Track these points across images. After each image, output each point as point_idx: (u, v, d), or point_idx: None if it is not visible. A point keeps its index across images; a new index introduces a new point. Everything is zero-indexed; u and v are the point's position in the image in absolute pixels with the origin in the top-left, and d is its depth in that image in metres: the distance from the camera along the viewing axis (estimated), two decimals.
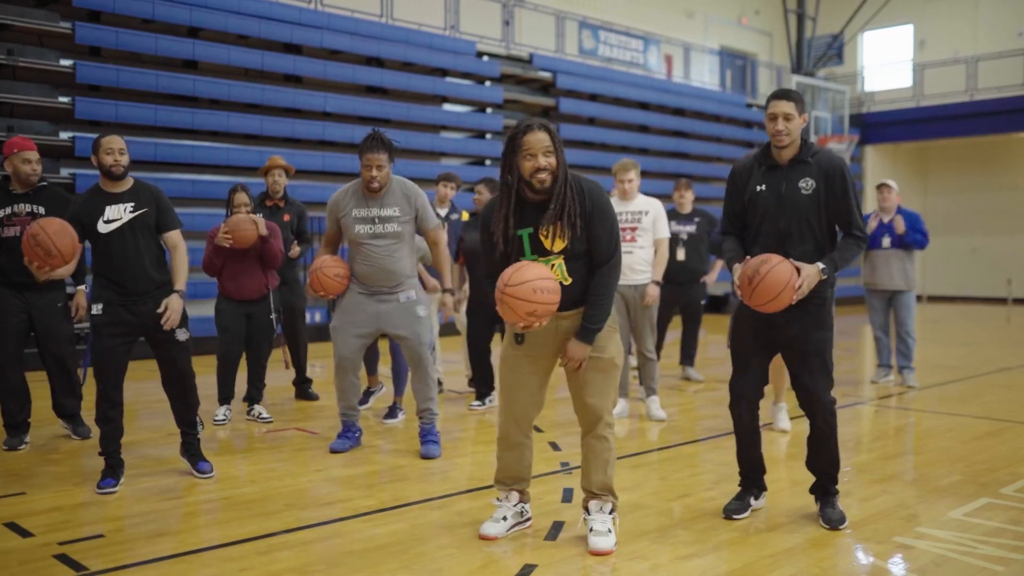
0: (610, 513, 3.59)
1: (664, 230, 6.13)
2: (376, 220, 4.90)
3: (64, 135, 10.04)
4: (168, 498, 4.25)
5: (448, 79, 14.07)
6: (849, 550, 3.59)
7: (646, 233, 6.03)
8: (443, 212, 6.99)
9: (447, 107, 14.25)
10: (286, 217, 6.62)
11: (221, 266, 5.91)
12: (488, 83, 14.67)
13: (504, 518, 3.71)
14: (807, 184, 3.77)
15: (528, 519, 3.81)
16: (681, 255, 7.74)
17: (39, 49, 10.03)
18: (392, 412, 6.21)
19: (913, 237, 7.60)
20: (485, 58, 14.69)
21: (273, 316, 6.09)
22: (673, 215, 7.88)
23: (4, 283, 5.13)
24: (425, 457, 5.06)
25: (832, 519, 3.88)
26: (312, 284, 5.00)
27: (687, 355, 8.25)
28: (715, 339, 12.15)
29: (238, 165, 11.20)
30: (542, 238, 3.45)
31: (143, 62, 10.87)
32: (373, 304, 4.99)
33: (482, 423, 6.18)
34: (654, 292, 6.07)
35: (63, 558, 3.41)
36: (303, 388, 6.97)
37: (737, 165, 4.01)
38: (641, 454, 5.35)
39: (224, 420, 6.00)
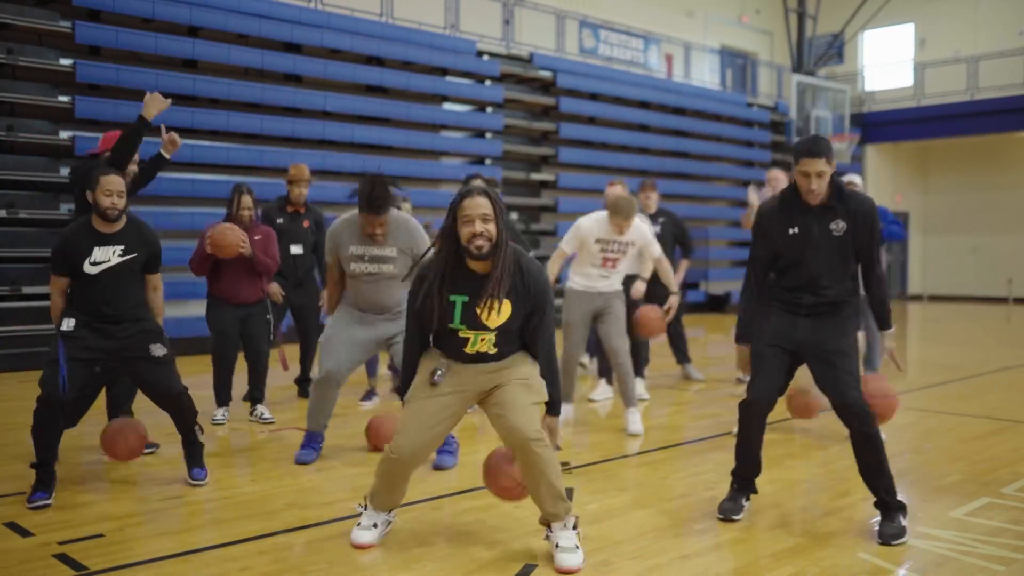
0: (573, 528, 3.40)
1: (655, 249, 6.04)
2: (372, 260, 4.75)
3: (64, 134, 10.03)
4: (168, 498, 4.24)
5: (448, 78, 14.06)
6: (849, 550, 3.59)
7: (628, 259, 5.92)
8: None
9: (447, 106, 14.24)
10: (306, 223, 6.74)
11: (209, 268, 5.84)
12: (488, 82, 14.66)
13: (375, 525, 3.58)
14: (838, 226, 3.79)
15: (392, 522, 3.69)
16: None
17: (39, 48, 10.02)
18: (369, 396, 6.58)
19: (890, 230, 7.52)
20: (485, 57, 14.68)
21: (270, 317, 6.08)
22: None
23: None
24: (438, 468, 4.83)
25: (885, 534, 3.68)
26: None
27: (681, 354, 8.24)
28: (715, 339, 12.17)
29: (238, 164, 11.19)
30: (477, 311, 3.37)
31: (143, 61, 10.86)
32: (367, 327, 4.87)
33: (481, 425, 6.18)
34: (674, 301, 6.23)
35: (63, 558, 3.41)
36: (305, 387, 6.98)
37: (765, 209, 3.97)
38: (641, 454, 5.35)
39: (223, 420, 5.99)
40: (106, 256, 4.19)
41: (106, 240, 4.20)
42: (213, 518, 3.99)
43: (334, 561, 3.41)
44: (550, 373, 3.55)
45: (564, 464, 4.91)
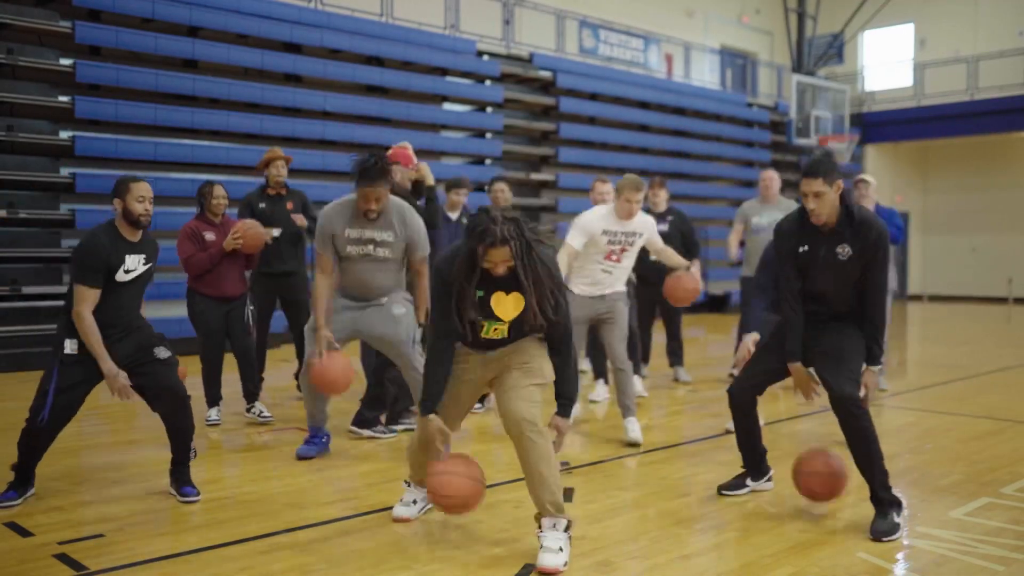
0: (564, 531, 3.39)
1: (660, 241, 5.94)
2: (370, 244, 4.69)
3: (64, 134, 10.03)
4: (168, 498, 4.24)
5: (448, 78, 14.06)
6: (849, 550, 3.59)
7: (633, 253, 5.75)
8: (454, 216, 6.97)
9: (447, 106, 14.24)
10: (289, 205, 6.58)
11: (212, 268, 5.79)
12: (488, 82, 14.66)
13: (414, 501, 3.93)
14: (844, 251, 3.85)
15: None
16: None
17: (39, 48, 10.02)
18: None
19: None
20: (485, 57, 14.68)
21: (248, 309, 6.00)
22: (647, 213, 7.93)
23: None
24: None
25: (877, 530, 3.71)
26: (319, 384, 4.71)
27: (674, 355, 8.27)
28: (715, 339, 12.17)
29: (238, 164, 11.19)
30: (492, 304, 3.44)
31: (143, 61, 10.85)
32: (350, 312, 4.79)
33: (481, 425, 6.18)
34: (697, 264, 6.35)
35: (63, 558, 3.41)
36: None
37: (783, 225, 4.05)
38: (641, 454, 5.35)
39: (217, 421, 5.96)
40: (135, 265, 4.13)
41: (134, 249, 4.13)
42: (213, 518, 3.98)
43: (334, 561, 3.41)
44: (565, 370, 3.57)
45: (564, 464, 4.91)
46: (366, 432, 5.58)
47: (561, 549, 3.33)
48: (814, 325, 4.01)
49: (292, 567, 3.35)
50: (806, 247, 3.92)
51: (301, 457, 4.94)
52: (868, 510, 4.08)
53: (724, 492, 4.32)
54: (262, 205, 6.44)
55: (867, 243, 3.82)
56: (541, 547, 3.36)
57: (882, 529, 3.71)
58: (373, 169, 4.48)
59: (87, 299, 3.97)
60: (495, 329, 3.50)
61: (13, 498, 4.06)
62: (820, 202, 3.79)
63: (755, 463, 4.36)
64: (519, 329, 3.52)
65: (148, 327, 4.28)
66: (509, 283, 3.41)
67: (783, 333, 4.07)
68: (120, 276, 4.06)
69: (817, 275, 3.92)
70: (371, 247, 4.70)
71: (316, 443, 5.01)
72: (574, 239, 5.53)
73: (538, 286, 3.36)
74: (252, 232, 5.75)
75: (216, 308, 5.86)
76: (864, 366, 3.92)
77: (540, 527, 3.42)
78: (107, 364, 3.99)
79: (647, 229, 5.73)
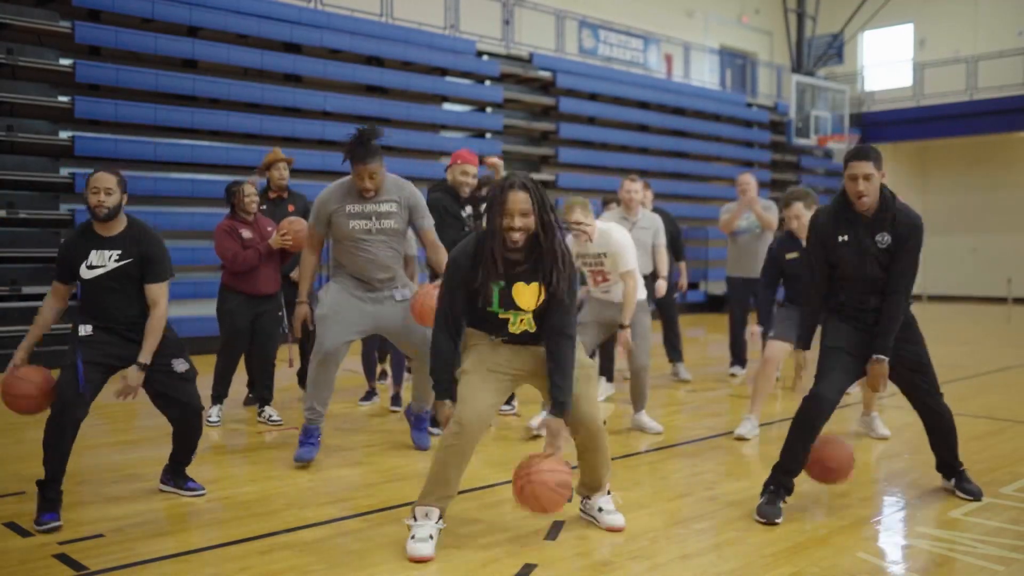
0: (608, 493, 3.86)
1: (627, 262, 5.44)
2: (373, 216, 4.72)
3: (64, 134, 10.03)
4: (168, 498, 4.24)
5: (448, 78, 14.06)
6: (849, 550, 3.59)
7: (613, 271, 5.55)
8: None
9: (447, 106, 14.24)
10: (291, 208, 6.63)
11: (259, 264, 5.82)
12: (488, 82, 14.66)
13: (431, 536, 3.45)
14: (883, 239, 3.88)
15: (442, 527, 3.57)
16: None
17: (38, 48, 10.02)
18: (368, 396, 6.70)
19: None
20: (485, 57, 14.68)
21: (282, 313, 6.07)
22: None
23: None
24: (418, 446, 5.14)
25: (973, 491, 4.23)
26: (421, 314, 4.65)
27: (674, 351, 8.25)
28: (715, 339, 12.16)
29: (238, 164, 11.18)
30: (514, 295, 3.48)
31: (142, 61, 10.85)
32: (367, 305, 4.78)
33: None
34: (624, 337, 5.46)
35: (63, 558, 3.41)
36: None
37: (820, 214, 4.09)
38: (641, 454, 5.35)
39: (217, 422, 5.94)
40: (102, 260, 3.99)
41: (103, 244, 4.01)
42: (213, 518, 3.98)
43: (334, 561, 3.41)
44: (559, 371, 3.52)
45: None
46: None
47: (616, 509, 3.83)
48: (873, 323, 3.99)
49: (292, 567, 3.35)
50: (846, 236, 3.93)
51: (300, 460, 4.84)
52: (867, 510, 4.09)
53: (776, 521, 3.87)
54: (263, 207, 6.44)
55: (904, 232, 3.86)
56: (601, 511, 3.79)
57: (974, 490, 4.24)
58: (362, 146, 4.50)
59: (53, 291, 4.14)
60: (521, 320, 3.54)
61: (54, 519, 3.76)
62: (869, 185, 3.82)
63: (792, 476, 4.02)
64: (546, 320, 3.57)
65: (168, 336, 4.12)
66: (528, 275, 3.48)
67: (836, 330, 4.06)
68: (83, 272, 3.99)
69: (861, 266, 3.93)
70: (375, 220, 4.73)
71: (314, 443, 4.93)
72: None
73: (557, 250, 3.44)
74: (299, 229, 5.72)
75: (247, 308, 5.88)
76: (872, 356, 3.97)
77: (588, 498, 3.83)
78: (20, 354, 4.05)
79: (610, 248, 5.45)
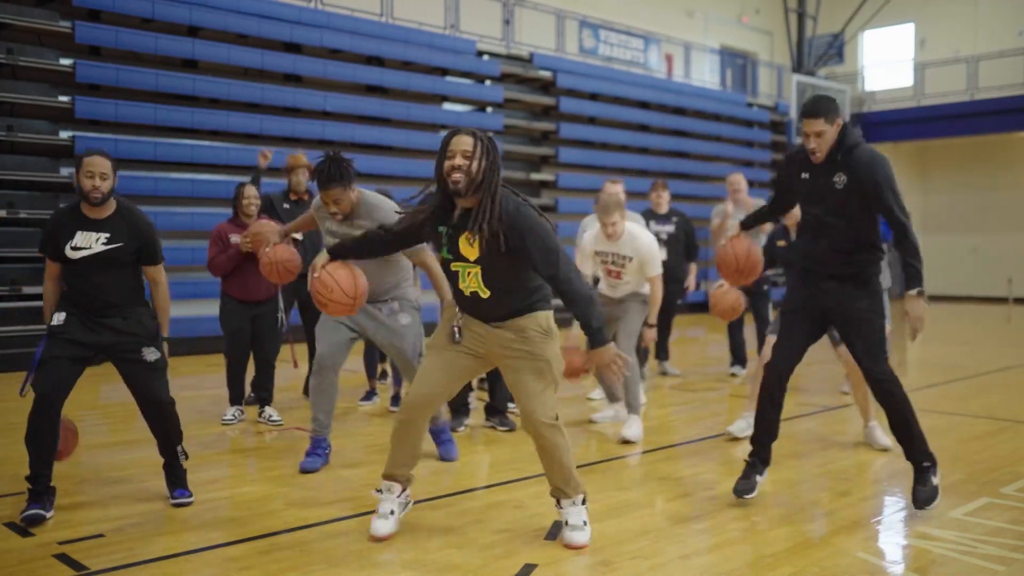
0: (582, 504, 3.66)
1: (655, 268, 5.63)
2: (343, 238, 4.53)
3: (64, 134, 10.03)
4: (168, 498, 4.24)
5: (448, 78, 14.06)
6: (849, 550, 3.59)
7: (629, 275, 5.68)
8: None
9: (447, 106, 14.24)
10: None
11: (232, 268, 5.87)
12: (488, 82, 14.66)
13: (391, 512, 3.68)
14: (840, 179, 3.97)
15: (410, 503, 3.82)
16: (662, 256, 7.73)
17: (39, 48, 10.02)
18: (368, 396, 6.78)
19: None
20: (485, 57, 14.68)
21: (280, 315, 6.10)
22: (650, 215, 8.03)
23: None
24: (445, 459, 4.98)
25: (918, 498, 3.98)
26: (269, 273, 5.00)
27: (662, 350, 8.47)
28: (715, 339, 12.16)
29: (238, 164, 11.18)
30: (460, 246, 3.49)
31: (143, 61, 10.85)
32: (359, 315, 4.66)
33: (476, 422, 6.17)
34: (650, 335, 5.83)
35: (63, 558, 3.41)
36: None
37: (793, 151, 4.25)
38: (641, 454, 5.35)
39: (232, 420, 6.00)
40: (87, 242, 3.94)
41: (91, 225, 3.96)
42: (213, 518, 3.98)
43: (334, 561, 3.41)
44: (577, 307, 3.45)
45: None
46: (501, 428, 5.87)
47: (585, 523, 3.62)
48: (830, 278, 4.07)
49: (292, 567, 3.35)
50: (807, 175, 4.06)
51: (305, 470, 4.77)
52: (867, 510, 4.09)
53: (745, 496, 4.11)
54: (285, 206, 6.65)
55: (858, 168, 3.92)
56: (566, 524, 3.62)
57: (921, 497, 3.98)
58: (325, 172, 4.44)
59: (48, 270, 4.10)
60: (469, 274, 3.48)
61: (37, 508, 3.81)
62: (820, 141, 3.93)
63: (766, 445, 4.20)
64: (503, 289, 3.49)
65: (147, 320, 4.10)
66: (472, 224, 3.43)
67: (792, 292, 4.24)
68: (68, 252, 3.94)
69: (815, 205, 4.04)
70: None
71: (320, 454, 4.88)
72: (580, 263, 5.74)
73: (491, 195, 3.39)
74: (258, 232, 5.67)
75: (242, 311, 5.95)
76: (905, 291, 3.94)
77: (559, 504, 3.67)
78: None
79: (640, 254, 5.56)
